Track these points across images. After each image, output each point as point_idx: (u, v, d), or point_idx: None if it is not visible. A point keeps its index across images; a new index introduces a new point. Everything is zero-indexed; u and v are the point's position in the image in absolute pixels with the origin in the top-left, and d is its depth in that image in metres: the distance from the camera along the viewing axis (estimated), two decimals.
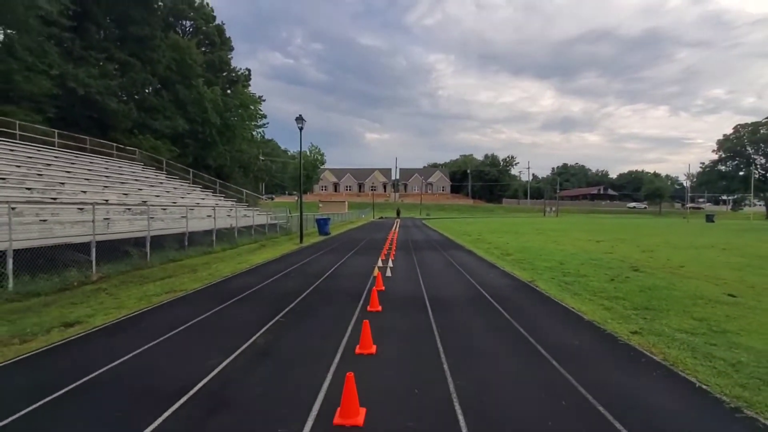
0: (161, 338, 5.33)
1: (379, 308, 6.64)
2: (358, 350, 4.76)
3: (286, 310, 6.72)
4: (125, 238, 11.85)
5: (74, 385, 3.96)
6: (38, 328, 5.95)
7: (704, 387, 3.90)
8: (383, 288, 8.28)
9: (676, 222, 52.12)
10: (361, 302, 7.17)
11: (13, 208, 9.72)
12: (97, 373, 4.24)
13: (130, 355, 4.74)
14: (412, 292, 8.12)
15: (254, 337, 5.31)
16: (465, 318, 6.26)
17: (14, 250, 8.01)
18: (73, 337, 5.49)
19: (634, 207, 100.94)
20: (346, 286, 8.75)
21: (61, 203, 11.56)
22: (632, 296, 7.70)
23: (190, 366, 4.35)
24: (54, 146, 19.33)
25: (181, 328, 5.79)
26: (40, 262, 8.62)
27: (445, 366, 4.34)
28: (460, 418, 3.30)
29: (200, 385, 3.90)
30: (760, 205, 79.15)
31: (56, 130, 20.22)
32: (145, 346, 5.01)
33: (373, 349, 4.80)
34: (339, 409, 3.34)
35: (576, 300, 7.49)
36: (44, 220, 10.05)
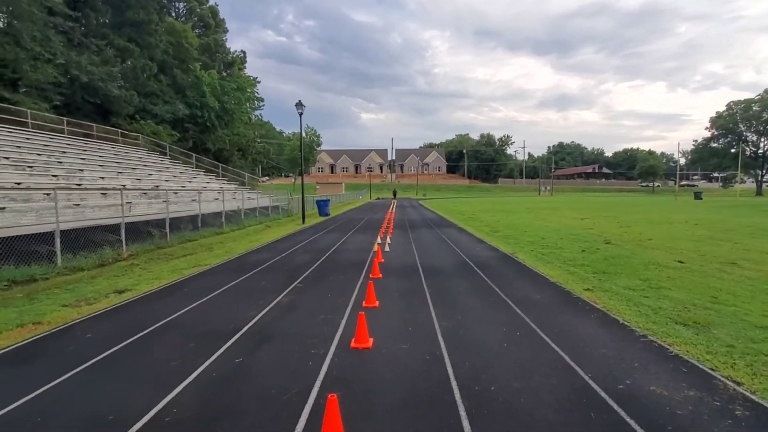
0: (203, 299, 6.61)
1: (380, 275, 7.96)
2: (364, 304, 6.06)
3: (302, 277, 8.03)
4: (146, 220, 13.04)
5: (150, 329, 5.25)
6: (96, 294, 7.21)
7: (626, 323, 5.24)
8: (383, 260, 9.61)
9: (665, 200, 53.64)
10: (364, 271, 8.50)
11: (47, 194, 10.89)
12: (163, 321, 5.53)
13: (184, 310, 6.03)
14: (408, 262, 9.46)
15: (279, 297, 6.61)
16: (451, 281, 7.59)
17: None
18: (129, 300, 6.75)
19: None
20: (350, 259, 10.09)
21: (86, 189, 12.69)
22: (596, 263, 9.05)
23: (235, 316, 5.64)
24: (64, 134, 20.25)
25: (217, 292, 7.08)
26: (81, 241, 9.83)
27: (433, 314, 5.66)
28: (441, 342, 4.62)
29: (247, 327, 5.19)
30: (750, 182, 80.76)
31: (65, 118, 21.09)
32: (193, 305, 6.29)
33: (377, 303, 6.11)
34: (353, 338, 4.64)
35: (547, 267, 8.83)
36: (77, 205, 11.21)
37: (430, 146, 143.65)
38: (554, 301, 6.29)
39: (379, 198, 67.47)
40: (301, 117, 20.14)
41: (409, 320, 5.39)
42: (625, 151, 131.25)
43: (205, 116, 33.97)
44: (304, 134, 72.35)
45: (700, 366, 4.04)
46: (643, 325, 5.17)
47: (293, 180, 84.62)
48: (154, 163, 22.21)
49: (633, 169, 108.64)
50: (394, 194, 63.25)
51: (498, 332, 4.94)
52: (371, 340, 4.65)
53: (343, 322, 5.35)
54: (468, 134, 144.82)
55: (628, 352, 4.37)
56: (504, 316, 5.53)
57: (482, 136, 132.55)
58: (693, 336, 4.79)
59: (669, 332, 4.90)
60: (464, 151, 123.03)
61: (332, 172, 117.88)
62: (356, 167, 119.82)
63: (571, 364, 4.06)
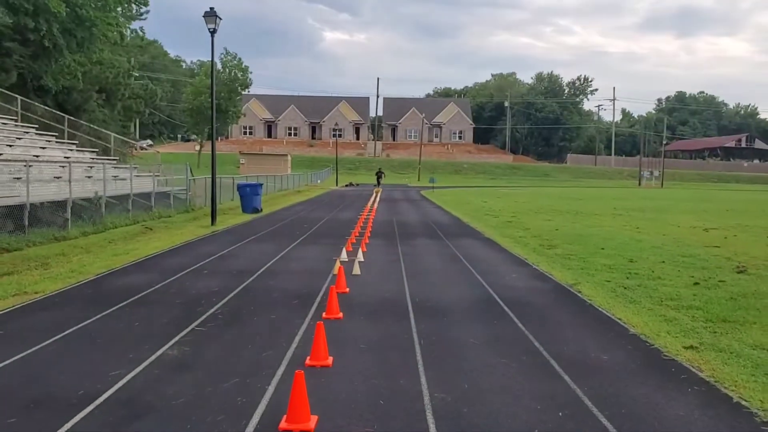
0: (32, 349, 6.88)
1: (340, 315, 8.40)
2: (309, 362, 6.43)
3: (204, 316, 8.47)
4: None
5: None
6: None
7: (742, 403, 5.70)
8: (347, 290, 10.12)
9: None
10: (314, 308, 9.00)
11: None
12: None
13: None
14: (390, 295, 10.06)
15: (164, 347, 6.94)
16: (461, 328, 8.07)
17: None
18: None
19: None
20: (290, 286, 10.67)
21: None
22: (713, 306, 9.64)
23: (87, 377, 5.96)
24: None
25: (56, 337, 7.37)
26: None
27: (422, 379, 6.04)
28: (431, 425, 5.02)
29: (107, 394, 5.52)
30: None
31: None
32: (14, 358, 6.57)
33: (329, 360, 6.48)
34: (285, 416, 5.01)
35: (630, 309, 9.39)
36: None
37: (446, 95, 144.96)
38: (630, 364, 6.75)
39: (351, 184, 67.80)
40: (213, 37, 20.41)
41: (381, 389, 5.77)
42: None
43: (42, 29, 33.85)
44: (218, 66, 72.02)
45: None
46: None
47: (198, 147, 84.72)
48: None
49: None
50: (378, 178, 63.79)
51: (528, 412, 5.34)
52: (314, 418, 5.02)
53: (270, 389, 5.70)
54: (515, 74, 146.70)
55: None
56: (541, 387, 5.94)
57: (540, 77, 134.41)
58: None
59: None
60: (507, 105, 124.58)
61: (270, 136, 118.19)
62: (313, 128, 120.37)
63: None
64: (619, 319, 8.77)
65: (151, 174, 26.75)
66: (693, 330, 8.21)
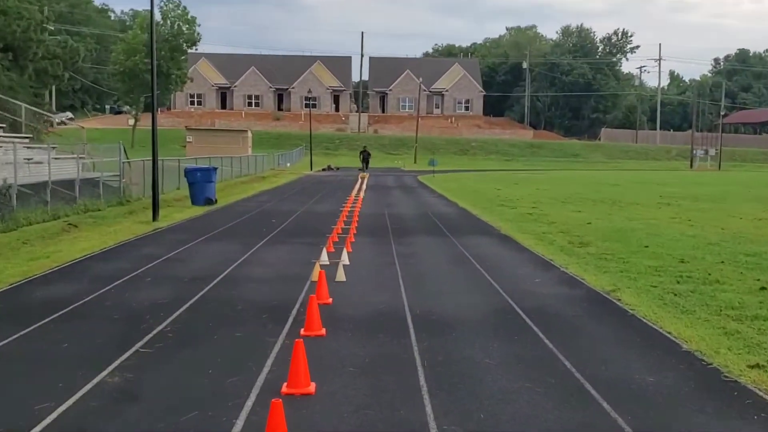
0: None
1: (322, 331, 8.45)
2: (285, 389, 6.49)
3: (151, 335, 8.49)
4: None
5: None
6: None
7: None
8: (330, 300, 10.16)
9: None
10: (289, 322, 9.07)
11: None
12: None
13: None
14: (384, 305, 10.20)
15: (102, 374, 6.99)
16: (474, 344, 8.21)
17: None
18: None
19: None
20: (258, 296, 10.79)
21: None
22: None
23: (6, 412, 6.04)
24: None
25: None
26: None
27: (428, 408, 6.15)
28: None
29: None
30: None
31: None
32: None
33: (311, 387, 6.56)
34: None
35: (681, 320, 9.53)
36: None
37: (450, 53, 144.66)
38: (683, 387, 6.90)
39: (330, 167, 67.62)
40: None
41: (376, 421, 5.86)
42: None
43: None
44: (157, 17, 71.51)
45: None
46: None
47: (132, 121, 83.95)
48: None
49: None
50: (365, 159, 63.69)
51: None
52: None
53: (239, 423, 5.76)
54: (535, 28, 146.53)
55: None
56: (575, 416, 6.05)
57: (566, 32, 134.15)
58: None
59: None
60: (526, 67, 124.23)
61: (224, 107, 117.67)
62: (280, 96, 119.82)
63: None
64: (669, 332, 8.88)
65: (75, 156, 26.57)
66: (759, 345, 8.34)
